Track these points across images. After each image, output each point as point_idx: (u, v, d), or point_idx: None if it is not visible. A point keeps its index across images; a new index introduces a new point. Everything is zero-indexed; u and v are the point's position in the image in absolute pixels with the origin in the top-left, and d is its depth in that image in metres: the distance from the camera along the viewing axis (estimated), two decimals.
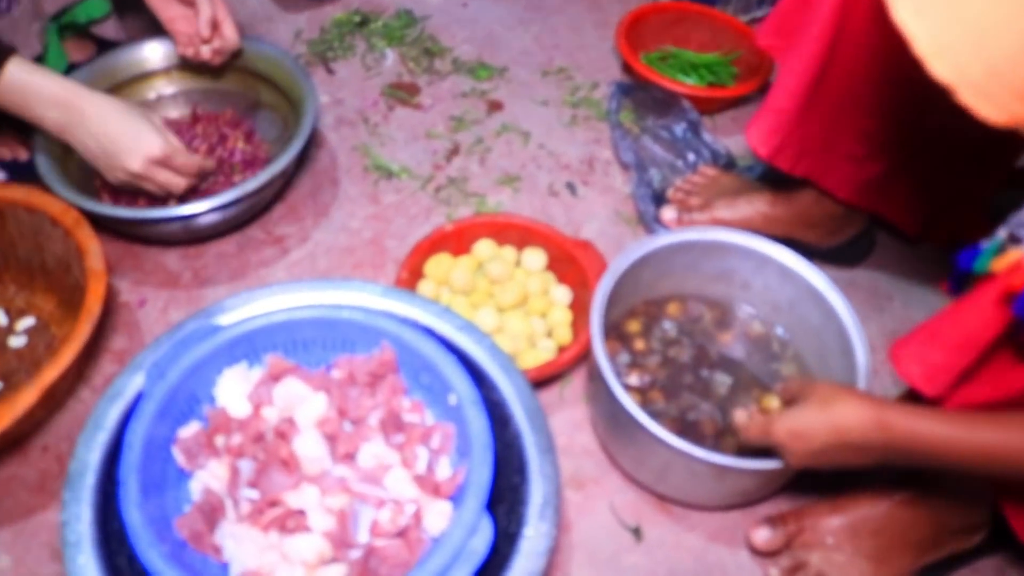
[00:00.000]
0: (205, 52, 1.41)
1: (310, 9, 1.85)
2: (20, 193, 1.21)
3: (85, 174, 1.39)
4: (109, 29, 1.49)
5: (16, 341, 1.26)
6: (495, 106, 1.66)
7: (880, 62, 1.08)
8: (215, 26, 1.38)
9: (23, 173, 1.35)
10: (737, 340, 1.23)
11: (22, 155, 1.41)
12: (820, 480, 1.12)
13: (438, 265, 1.28)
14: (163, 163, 1.24)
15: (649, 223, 1.42)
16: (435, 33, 1.81)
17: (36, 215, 1.21)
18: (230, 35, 1.39)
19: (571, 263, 1.28)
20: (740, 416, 1.00)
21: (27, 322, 1.28)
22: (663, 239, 1.18)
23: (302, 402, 1.01)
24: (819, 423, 0.90)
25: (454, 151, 1.57)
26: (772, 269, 1.19)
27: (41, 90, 1.17)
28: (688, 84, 1.65)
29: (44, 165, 1.29)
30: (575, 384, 1.25)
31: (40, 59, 1.37)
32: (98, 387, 1.23)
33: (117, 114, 1.21)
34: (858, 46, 1.09)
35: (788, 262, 1.17)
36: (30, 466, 1.15)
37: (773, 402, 1.01)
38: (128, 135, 1.21)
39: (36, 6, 1.32)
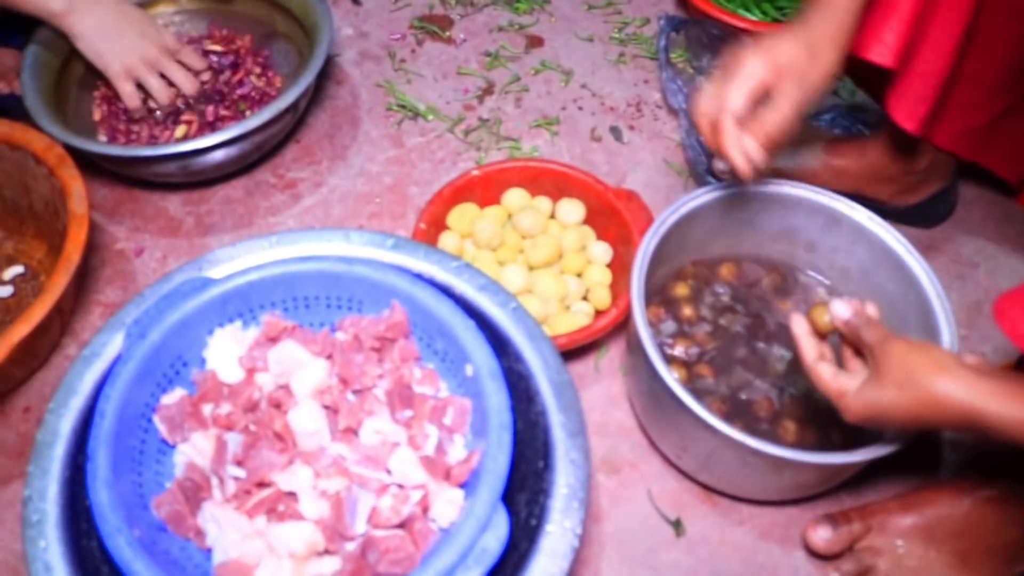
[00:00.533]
0: None
1: None
2: (2, 128, 1.10)
3: (81, 108, 1.28)
4: None
5: (3, 291, 1.16)
6: (535, 41, 1.52)
7: None
8: None
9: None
10: (799, 309, 1.08)
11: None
12: (890, 472, 0.98)
13: (462, 216, 1.14)
14: (175, 55, 1.22)
15: (700, 174, 1.28)
16: None
17: (19, 152, 1.10)
18: None
19: (613, 216, 1.14)
20: (808, 349, 0.85)
21: (15, 270, 1.18)
22: (716, 191, 1.04)
23: (300, 367, 0.90)
24: (900, 405, 0.75)
25: (487, 90, 1.43)
26: (843, 229, 1.04)
27: None
28: (751, 19, 1.49)
29: (32, 97, 1.18)
30: (613, 354, 1.12)
31: None
32: (86, 343, 1.12)
33: (130, 3, 1.22)
34: None
35: (862, 221, 1.02)
36: (10, 429, 1.06)
37: (825, 316, 0.85)
38: (146, 20, 1.21)
39: None
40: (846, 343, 0.84)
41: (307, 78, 1.18)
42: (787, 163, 1.20)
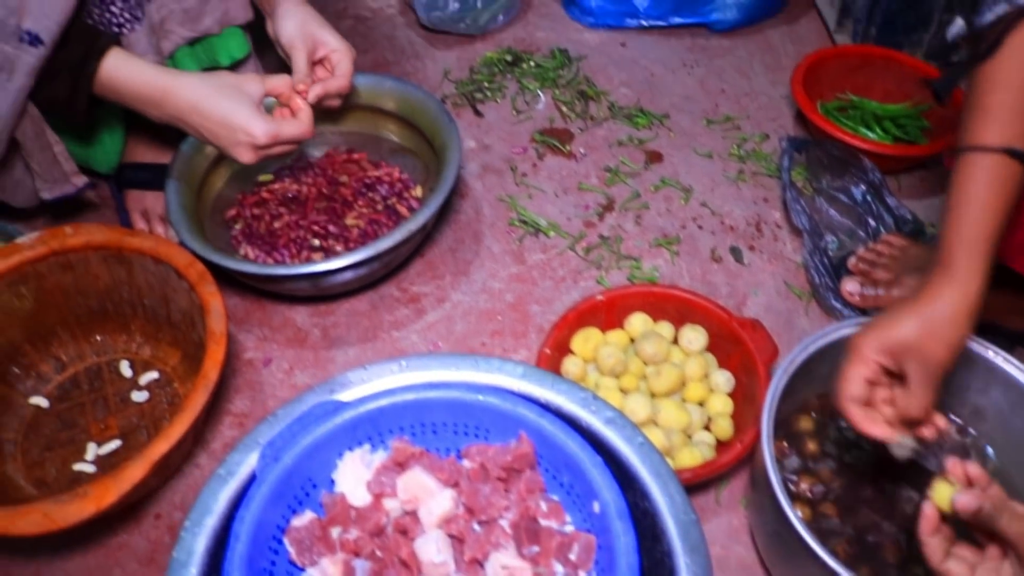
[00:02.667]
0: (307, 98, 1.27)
1: (460, 46, 1.77)
2: (149, 242, 1.16)
3: (221, 224, 1.34)
4: (248, 69, 1.42)
5: (139, 396, 1.20)
6: (654, 157, 1.53)
7: None
8: (330, 68, 1.29)
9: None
10: (929, 449, 1.06)
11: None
12: None
13: (586, 340, 1.15)
14: (271, 143, 1.15)
15: (824, 296, 1.27)
16: (591, 75, 1.69)
17: (163, 266, 1.15)
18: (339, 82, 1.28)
19: (736, 344, 1.13)
20: (934, 552, 0.80)
21: (151, 376, 1.22)
22: (848, 328, 1.02)
23: (428, 496, 0.91)
24: None
25: (608, 207, 1.44)
26: (976, 368, 1.02)
27: (130, 87, 1.12)
28: (870, 139, 1.48)
29: (175, 212, 1.23)
30: (734, 485, 1.10)
31: None
32: (216, 452, 1.15)
33: (209, 107, 1.13)
34: None
35: (997, 361, 1.00)
36: (141, 535, 1.09)
37: (944, 492, 0.81)
38: (225, 133, 1.14)
39: (157, 29, 1.26)
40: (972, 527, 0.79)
41: (438, 199, 1.21)
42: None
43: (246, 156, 1.15)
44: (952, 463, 0.82)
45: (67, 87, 1.11)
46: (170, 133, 1.37)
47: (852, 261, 1.30)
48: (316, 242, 1.30)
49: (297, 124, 1.18)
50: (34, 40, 1.07)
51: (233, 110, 1.13)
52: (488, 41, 1.78)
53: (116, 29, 1.19)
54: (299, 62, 1.24)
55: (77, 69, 1.10)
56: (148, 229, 1.37)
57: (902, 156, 1.46)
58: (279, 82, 1.19)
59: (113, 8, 1.17)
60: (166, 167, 1.35)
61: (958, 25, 0.95)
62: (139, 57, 1.15)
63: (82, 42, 1.10)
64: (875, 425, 0.88)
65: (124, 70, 1.12)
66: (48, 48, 1.07)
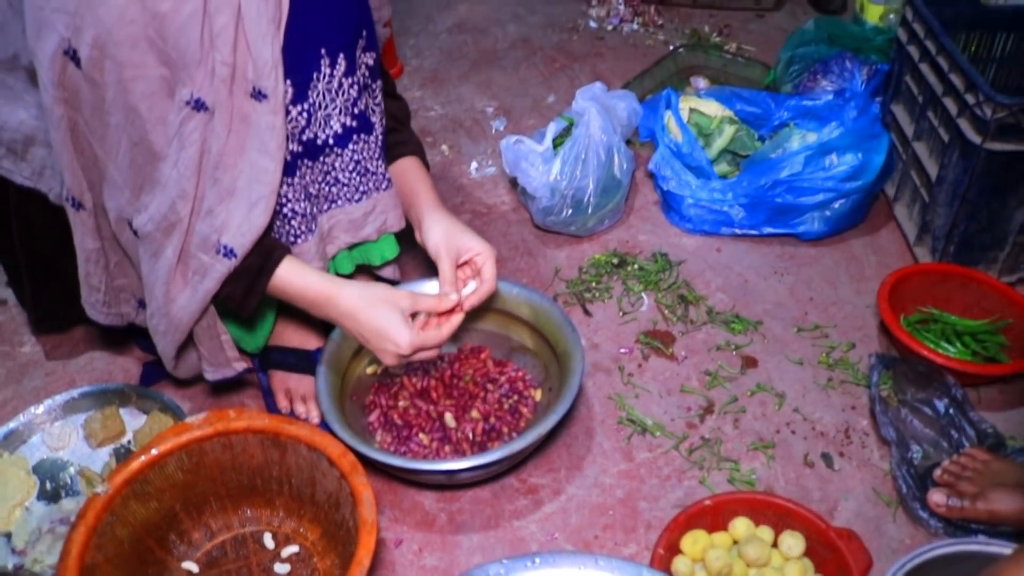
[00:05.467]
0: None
1: (569, 246, 1.93)
2: (305, 431, 1.30)
3: (359, 406, 1.49)
4: (388, 270, 1.59)
5: (281, 568, 1.32)
6: (750, 362, 1.66)
7: None
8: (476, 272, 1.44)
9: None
10: None
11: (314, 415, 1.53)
12: None
13: (695, 542, 1.26)
14: (414, 352, 1.32)
15: (911, 506, 1.36)
16: (690, 279, 1.84)
17: (315, 453, 1.29)
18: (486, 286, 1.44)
19: (832, 552, 1.23)
20: None
21: (292, 549, 1.34)
22: (945, 548, 1.13)
23: None
24: None
25: (708, 409, 1.57)
26: None
27: (298, 291, 1.32)
28: (952, 355, 1.60)
29: (327, 404, 1.39)
30: None
31: None
32: None
33: (365, 317, 1.31)
34: None
35: None
36: None
37: None
38: (375, 341, 1.32)
39: (325, 237, 1.45)
40: None
41: (564, 405, 1.35)
42: (1006, 505, 1.27)
43: (390, 360, 1.33)
44: None
45: (243, 289, 1.29)
46: (315, 322, 1.54)
47: (938, 473, 1.39)
48: (447, 428, 1.44)
49: (438, 334, 1.34)
50: (228, 253, 1.25)
51: (385, 322, 1.30)
52: (595, 242, 1.94)
53: (292, 239, 1.37)
54: (445, 270, 1.40)
55: (255, 276, 1.28)
56: (290, 407, 1.53)
57: (983, 374, 1.56)
58: (428, 304, 1.35)
59: (293, 223, 1.36)
60: (310, 353, 1.51)
61: None
62: (307, 264, 1.34)
63: (261, 253, 1.28)
64: None
65: (296, 277, 1.31)
66: (239, 260, 1.25)
